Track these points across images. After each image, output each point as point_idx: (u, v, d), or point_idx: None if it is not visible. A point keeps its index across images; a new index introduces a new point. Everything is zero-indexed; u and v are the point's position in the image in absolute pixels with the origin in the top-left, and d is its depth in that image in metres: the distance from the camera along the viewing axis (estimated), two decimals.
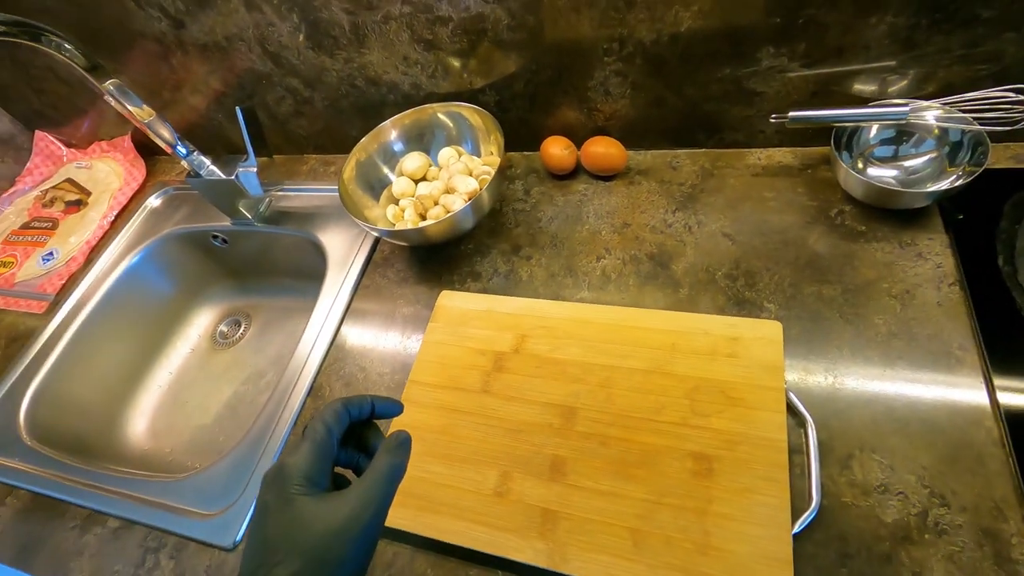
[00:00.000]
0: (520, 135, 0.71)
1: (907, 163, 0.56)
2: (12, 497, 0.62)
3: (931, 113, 0.53)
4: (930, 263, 0.52)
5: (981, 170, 0.49)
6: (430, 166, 0.73)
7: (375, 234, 0.66)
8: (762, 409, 0.47)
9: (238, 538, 0.53)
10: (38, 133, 1.02)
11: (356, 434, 0.35)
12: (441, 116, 0.69)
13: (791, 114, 0.56)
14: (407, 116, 0.70)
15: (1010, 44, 0.49)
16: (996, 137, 0.51)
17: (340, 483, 0.32)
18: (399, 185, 0.71)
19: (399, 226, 0.67)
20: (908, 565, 0.39)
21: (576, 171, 0.71)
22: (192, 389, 0.86)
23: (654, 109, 0.65)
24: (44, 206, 0.96)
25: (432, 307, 0.63)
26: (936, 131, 0.54)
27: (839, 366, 0.49)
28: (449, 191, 0.69)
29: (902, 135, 0.56)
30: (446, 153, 0.72)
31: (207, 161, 0.73)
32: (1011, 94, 0.49)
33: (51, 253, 0.88)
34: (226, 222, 0.83)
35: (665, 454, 0.46)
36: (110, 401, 0.82)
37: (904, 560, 0.40)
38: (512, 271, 0.64)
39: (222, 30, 0.70)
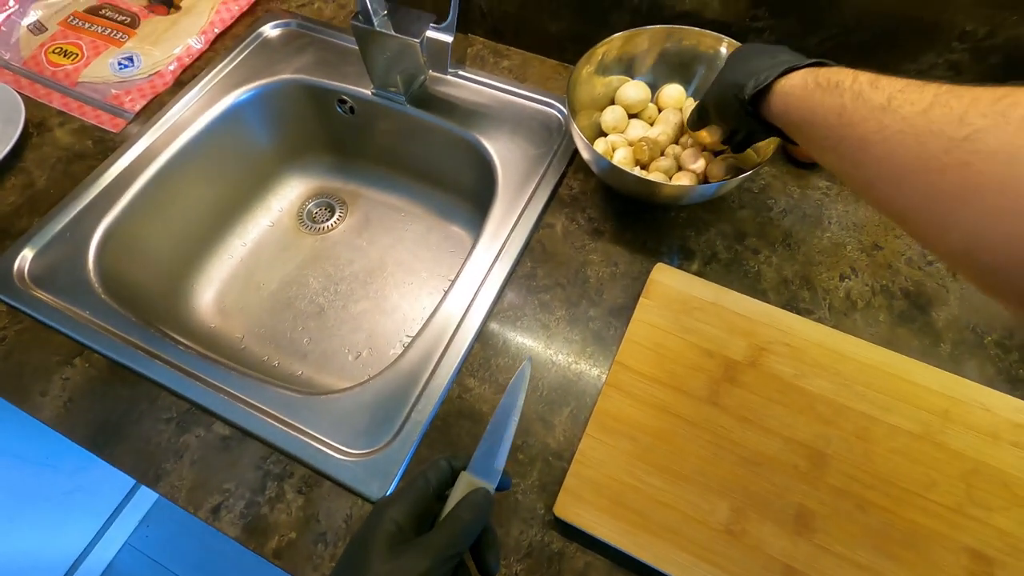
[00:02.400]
0: None
1: None
2: (83, 360, 0.50)
3: None
4: None
5: None
6: (649, 103, 0.60)
7: (596, 169, 0.54)
8: None
9: (390, 490, 0.44)
10: None
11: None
12: (722, 57, 0.55)
13: None
14: (687, 34, 0.55)
15: None
16: None
17: None
18: (612, 115, 0.58)
19: (619, 164, 0.55)
20: None
21: (817, 164, 0.60)
22: (269, 270, 0.74)
23: None
24: None
25: (633, 276, 0.53)
26: None
27: None
28: (680, 144, 0.57)
29: None
30: (674, 92, 0.58)
31: (384, 5, 0.57)
32: None
33: (130, 58, 0.71)
34: (364, 88, 0.67)
35: (936, 541, 0.40)
36: (178, 262, 0.69)
37: None
38: (735, 261, 0.54)
39: None
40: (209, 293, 0.71)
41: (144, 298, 0.62)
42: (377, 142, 0.74)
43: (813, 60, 0.36)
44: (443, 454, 0.35)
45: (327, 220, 0.78)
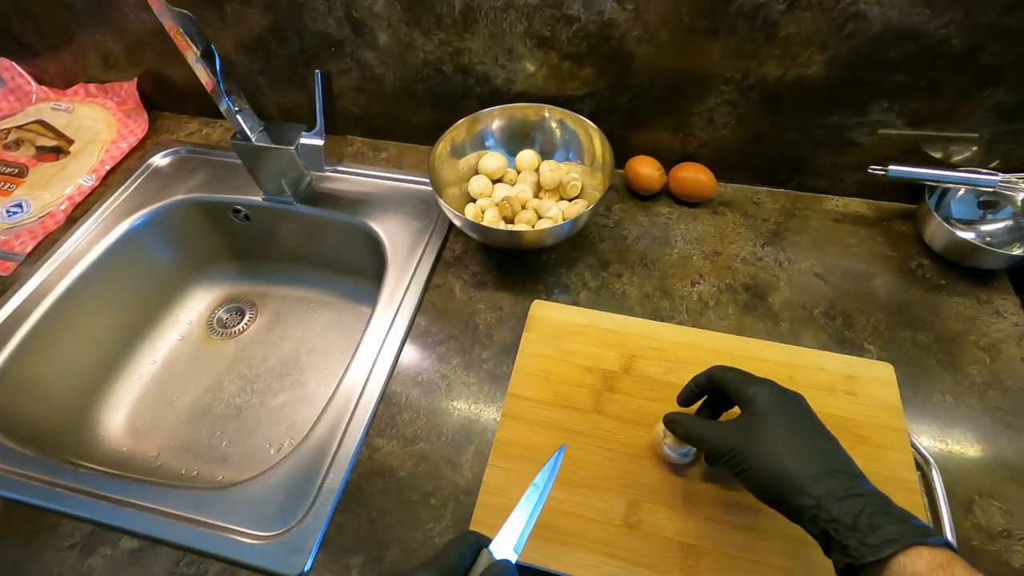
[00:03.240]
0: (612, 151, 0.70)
1: (984, 227, 0.61)
2: None
3: (1017, 186, 0.58)
4: (1008, 321, 0.57)
5: None
6: (507, 169, 0.69)
7: (468, 231, 0.61)
8: (889, 449, 0.47)
9: (307, 567, 0.44)
10: (1, 61, 0.85)
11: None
12: (551, 120, 0.66)
13: (891, 168, 0.59)
14: (516, 109, 0.66)
15: None
16: None
17: None
18: (478, 183, 0.67)
19: (486, 224, 0.62)
20: None
21: (658, 194, 0.70)
22: (182, 383, 0.74)
23: (751, 144, 0.66)
24: (6, 148, 0.80)
25: (517, 316, 0.59)
26: (1019, 203, 0.59)
27: (945, 412, 0.51)
28: (538, 196, 0.66)
29: (985, 202, 0.61)
30: (528, 156, 0.68)
31: (260, 123, 0.64)
32: None
33: (19, 205, 0.73)
34: (254, 196, 0.73)
35: None
36: (83, 391, 0.69)
37: None
38: (603, 287, 0.62)
39: None
40: (119, 417, 0.70)
41: (46, 433, 0.61)
42: (276, 242, 0.79)
43: (939, 539, 0.29)
44: (361, 519, 0.36)
45: (237, 324, 0.80)
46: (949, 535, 0.43)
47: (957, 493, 0.46)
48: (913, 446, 0.48)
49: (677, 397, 0.46)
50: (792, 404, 0.38)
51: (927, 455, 0.47)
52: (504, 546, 0.33)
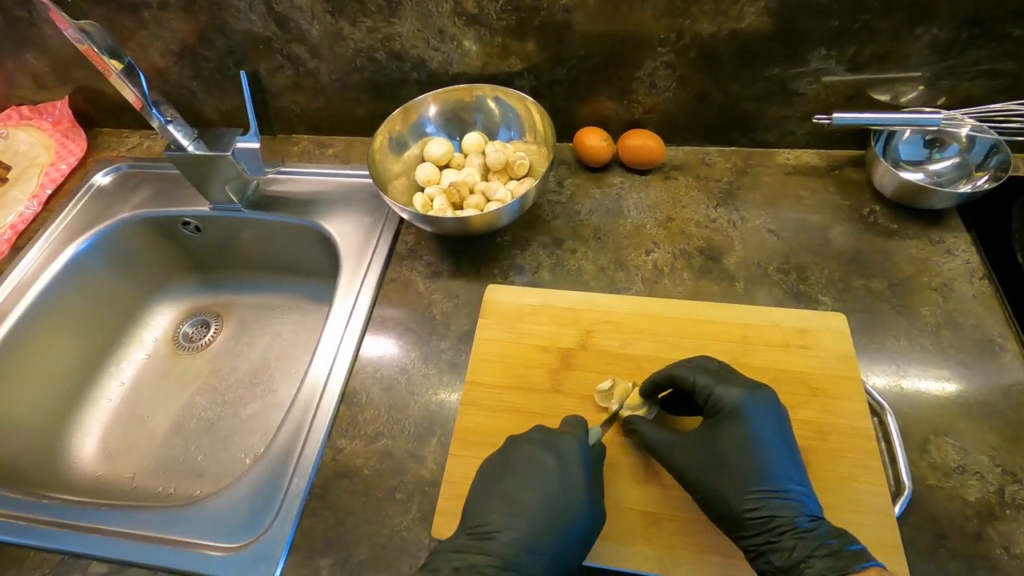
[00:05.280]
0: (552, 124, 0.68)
1: (932, 167, 0.61)
2: None
3: (960, 122, 0.57)
4: (959, 259, 0.57)
5: (1007, 176, 0.54)
6: (454, 153, 0.68)
7: (416, 223, 0.60)
8: (844, 399, 0.47)
9: (276, 574, 0.45)
10: None
11: None
12: (488, 99, 0.64)
13: (835, 115, 0.59)
14: (450, 93, 0.64)
15: None
16: (1013, 147, 0.56)
17: None
18: (424, 171, 0.66)
19: (433, 215, 0.61)
20: (997, 541, 0.42)
21: (609, 164, 0.69)
22: (152, 401, 0.74)
23: (696, 104, 0.65)
24: None
25: (473, 303, 0.59)
26: (963, 140, 0.59)
27: (899, 355, 0.51)
28: (486, 179, 0.65)
29: (931, 141, 0.61)
30: (473, 139, 0.67)
31: (193, 132, 0.62)
32: None
33: None
34: (201, 206, 0.72)
35: None
36: (49, 421, 0.68)
37: (993, 536, 0.42)
38: (558, 264, 0.61)
39: None
40: (91, 442, 0.70)
41: (11, 468, 0.60)
42: (232, 251, 0.78)
43: (867, 564, 0.29)
44: (328, 520, 0.38)
45: (204, 337, 0.79)
46: (905, 477, 0.44)
47: (912, 435, 0.47)
48: (867, 392, 0.48)
49: (639, 388, 0.45)
50: (755, 420, 0.35)
51: (881, 400, 0.48)
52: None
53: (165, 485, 0.66)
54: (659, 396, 0.45)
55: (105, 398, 0.73)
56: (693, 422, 0.44)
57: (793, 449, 0.36)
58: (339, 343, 0.58)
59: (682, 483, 0.38)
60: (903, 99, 0.61)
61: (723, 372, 0.40)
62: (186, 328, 0.81)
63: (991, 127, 0.57)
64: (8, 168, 0.78)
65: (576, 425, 0.41)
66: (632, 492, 0.45)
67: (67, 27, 0.50)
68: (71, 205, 0.74)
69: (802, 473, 0.35)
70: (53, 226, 0.72)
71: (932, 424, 0.47)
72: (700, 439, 0.37)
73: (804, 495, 0.33)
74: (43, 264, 0.69)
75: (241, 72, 0.59)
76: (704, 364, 0.41)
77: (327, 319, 0.60)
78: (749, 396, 0.37)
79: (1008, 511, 0.43)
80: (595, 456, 0.40)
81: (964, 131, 0.58)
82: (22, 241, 0.72)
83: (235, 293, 0.82)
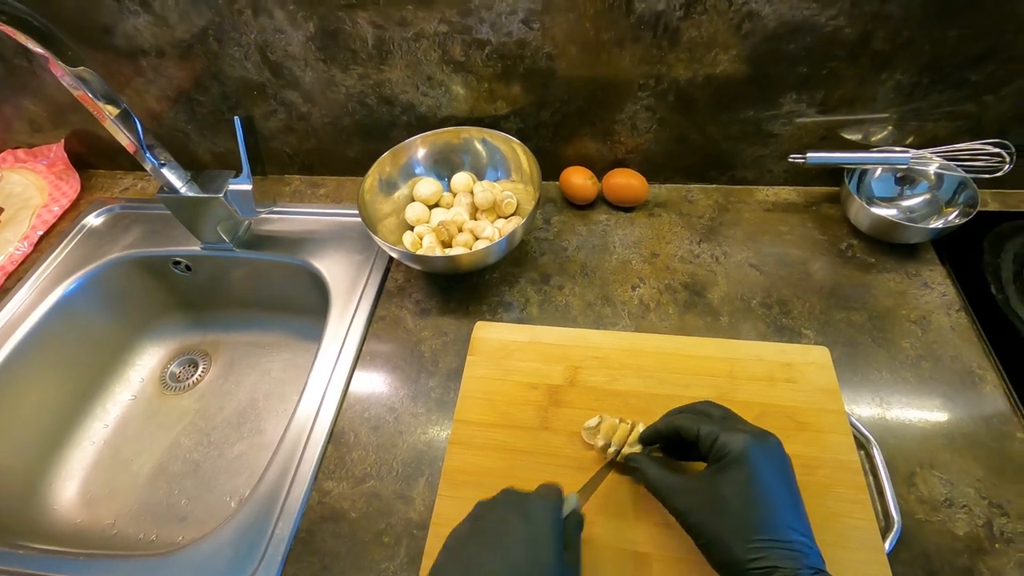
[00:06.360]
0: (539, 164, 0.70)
1: (904, 203, 0.63)
2: None
3: (929, 161, 0.60)
4: (936, 292, 0.58)
5: (975, 211, 0.56)
6: (443, 193, 0.69)
7: (405, 261, 0.61)
8: (830, 432, 0.48)
9: None
10: None
11: None
12: (475, 141, 0.66)
13: (809, 155, 0.61)
14: (439, 135, 0.66)
15: (988, 105, 0.58)
16: (979, 183, 0.59)
17: None
18: (413, 210, 0.67)
19: (422, 254, 0.62)
20: (987, 575, 0.42)
21: (594, 202, 0.71)
22: (136, 443, 0.72)
23: (676, 145, 0.67)
24: None
25: (462, 340, 0.59)
26: (932, 177, 0.61)
27: (882, 388, 0.52)
28: (475, 217, 0.66)
29: (902, 178, 0.63)
30: (462, 178, 0.69)
31: (186, 175, 0.64)
32: (991, 147, 0.57)
33: None
34: (193, 246, 0.72)
35: None
36: (29, 466, 0.67)
37: (983, 571, 0.42)
38: (546, 301, 0.62)
39: (215, 32, 0.62)
40: (71, 488, 0.68)
41: None
42: (222, 290, 0.78)
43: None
44: (314, 566, 0.38)
45: (191, 376, 0.79)
46: (893, 511, 0.44)
47: (899, 467, 0.47)
48: (853, 425, 0.49)
49: (640, 435, 0.44)
50: (760, 467, 0.35)
51: (867, 433, 0.48)
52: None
53: (147, 531, 0.64)
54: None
55: (88, 440, 0.72)
56: (694, 464, 0.44)
57: (797, 498, 0.35)
58: (328, 381, 0.57)
59: (684, 526, 0.37)
60: (873, 138, 0.64)
61: (727, 418, 0.40)
62: (173, 368, 0.80)
63: (958, 165, 0.60)
64: (1, 210, 0.79)
65: (551, 490, 0.39)
66: (622, 532, 0.44)
67: (63, 74, 0.51)
68: (62, 246, 0.74)
69: (805, 523, 0.35)
70: (43, 267, 0.72)
71: (917, 456, 0.48)
72: (703, 484, 0.36)
73: (807, 546, 0.33)
74: (31, 306, 0.68)
75: (235, 118, 0.61)
76: (707, 410, 0.41)
77: (316, 357, 0.60)
78: (754, 444, 0.36)
79: (997, 545, 0.43)
80: (571, 525, 0.38)
81: (932, 169, 0.61)
82: (11, 283, 0.72)
83: (224, 332, 0.82)
